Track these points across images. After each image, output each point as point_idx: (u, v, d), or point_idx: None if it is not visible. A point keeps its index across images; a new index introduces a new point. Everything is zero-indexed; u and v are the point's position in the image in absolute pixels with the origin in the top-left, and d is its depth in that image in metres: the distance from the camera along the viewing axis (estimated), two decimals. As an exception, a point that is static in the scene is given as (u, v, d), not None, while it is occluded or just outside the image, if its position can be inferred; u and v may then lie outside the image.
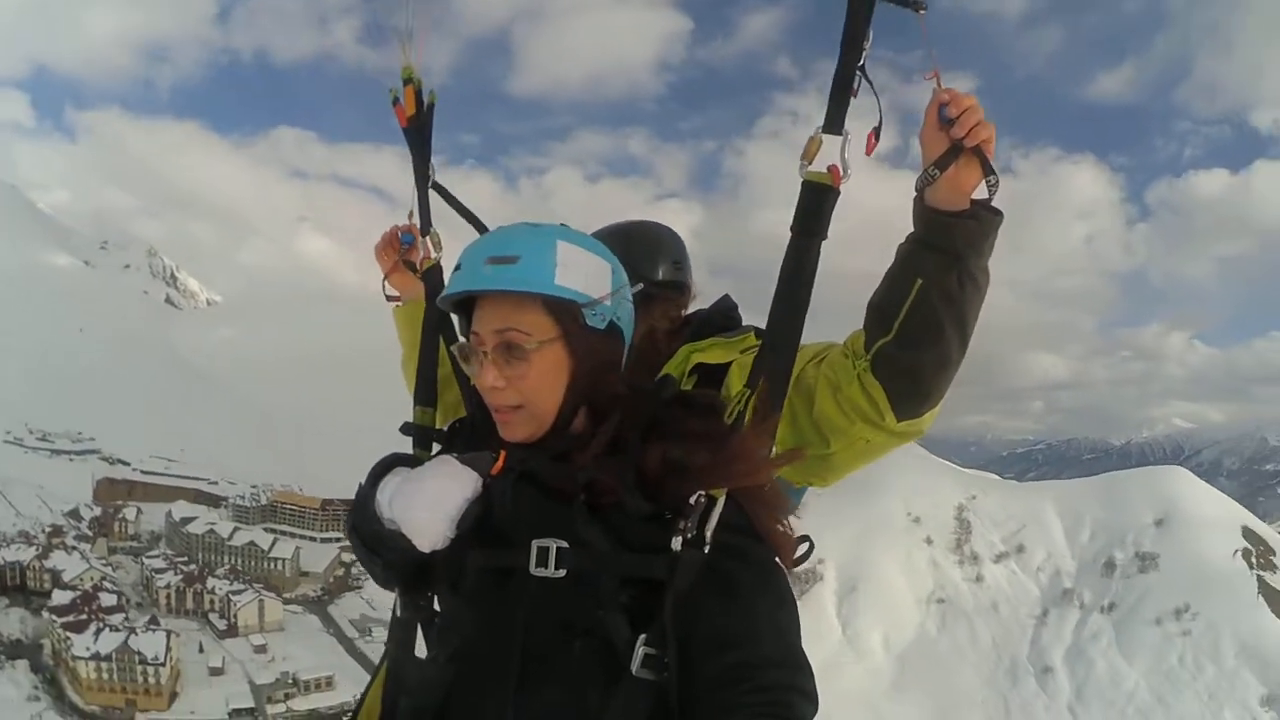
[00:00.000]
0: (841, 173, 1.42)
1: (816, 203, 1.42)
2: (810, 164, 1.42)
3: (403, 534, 1.35)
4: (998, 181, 1.37)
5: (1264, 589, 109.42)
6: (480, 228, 1.82)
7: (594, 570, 1.26)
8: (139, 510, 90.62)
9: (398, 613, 1.58)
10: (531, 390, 1.33)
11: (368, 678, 1.64)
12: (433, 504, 1.33)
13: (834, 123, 1.42)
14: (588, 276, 1.34)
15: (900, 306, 1.42)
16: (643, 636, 1.21)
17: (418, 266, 1.98)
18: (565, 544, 1.27)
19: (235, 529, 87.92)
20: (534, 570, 1.27)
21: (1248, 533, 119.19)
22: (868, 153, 1.43)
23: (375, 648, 71.54)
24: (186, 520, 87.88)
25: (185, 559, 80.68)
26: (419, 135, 1.84)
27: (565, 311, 1.32)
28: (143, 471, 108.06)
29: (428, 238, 1.87)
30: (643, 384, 1.45)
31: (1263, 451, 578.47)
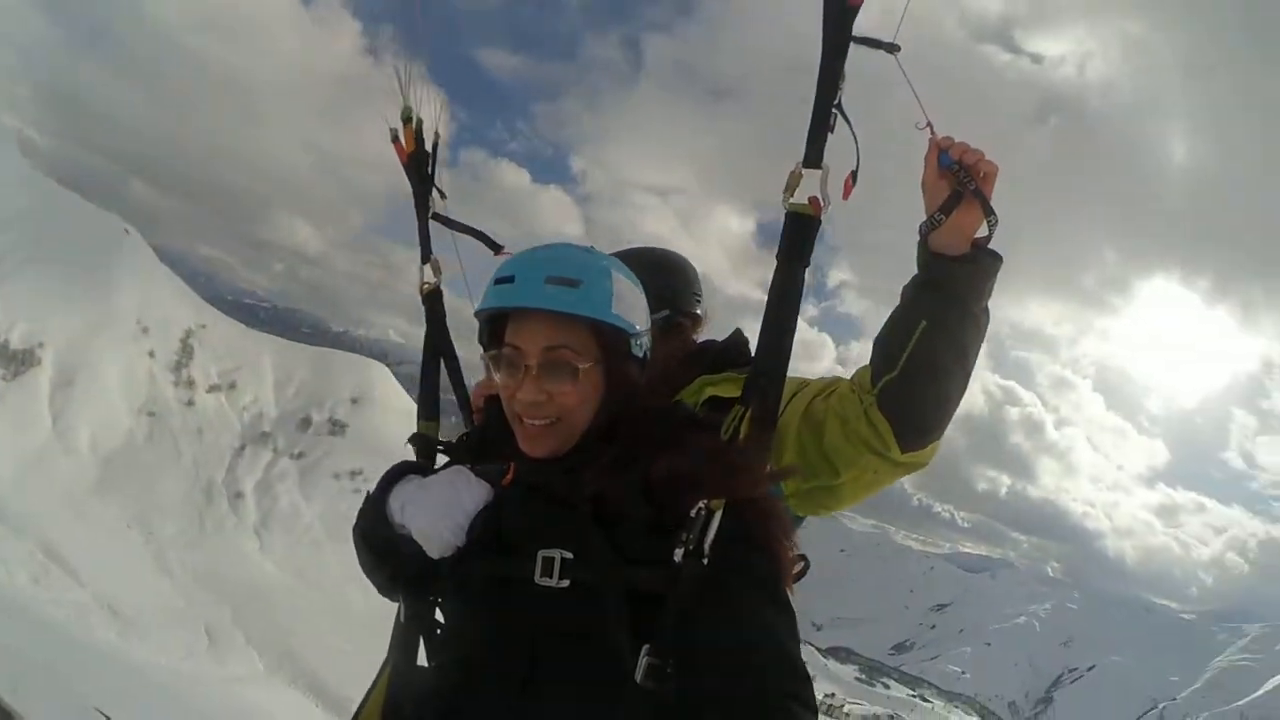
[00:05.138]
0: (822, 204, 1.47)
1: (799, 232, 1.49)
2: (792, 196, 1.48)
3: (412, 540, 1.38)
4: (997, 220, 1.44)
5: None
6: (494, 246, 1.83)
7: (597, 581, 1.26)
8: None
9: (401, 619, 1.57)
10: (570, 407, 1.36)
11: None
12: (444, 511, 1.35)
13: (813, 157, 1.48)
14: (633, 309, 1.41)
15: (905, 346, 1.47)
16: (646, 646, 1.20)
17: (419, 293, 1.91)
18: (570, 555, 1.27)
19: None
20: (538, 580, 1.27)
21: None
22: (845, 197, 1.48)
23: None
24: None
25: None
26: (419, 171, 1.86)
27: (612, 338, 1.37)
28: None
29: (428, 265, 1.86)
30: (658, 406, 1.48)
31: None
